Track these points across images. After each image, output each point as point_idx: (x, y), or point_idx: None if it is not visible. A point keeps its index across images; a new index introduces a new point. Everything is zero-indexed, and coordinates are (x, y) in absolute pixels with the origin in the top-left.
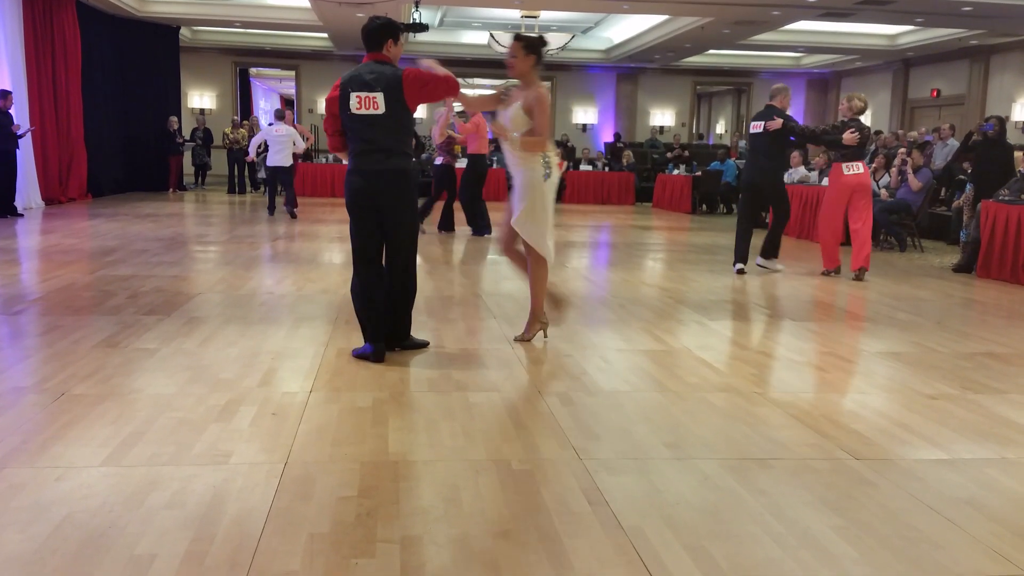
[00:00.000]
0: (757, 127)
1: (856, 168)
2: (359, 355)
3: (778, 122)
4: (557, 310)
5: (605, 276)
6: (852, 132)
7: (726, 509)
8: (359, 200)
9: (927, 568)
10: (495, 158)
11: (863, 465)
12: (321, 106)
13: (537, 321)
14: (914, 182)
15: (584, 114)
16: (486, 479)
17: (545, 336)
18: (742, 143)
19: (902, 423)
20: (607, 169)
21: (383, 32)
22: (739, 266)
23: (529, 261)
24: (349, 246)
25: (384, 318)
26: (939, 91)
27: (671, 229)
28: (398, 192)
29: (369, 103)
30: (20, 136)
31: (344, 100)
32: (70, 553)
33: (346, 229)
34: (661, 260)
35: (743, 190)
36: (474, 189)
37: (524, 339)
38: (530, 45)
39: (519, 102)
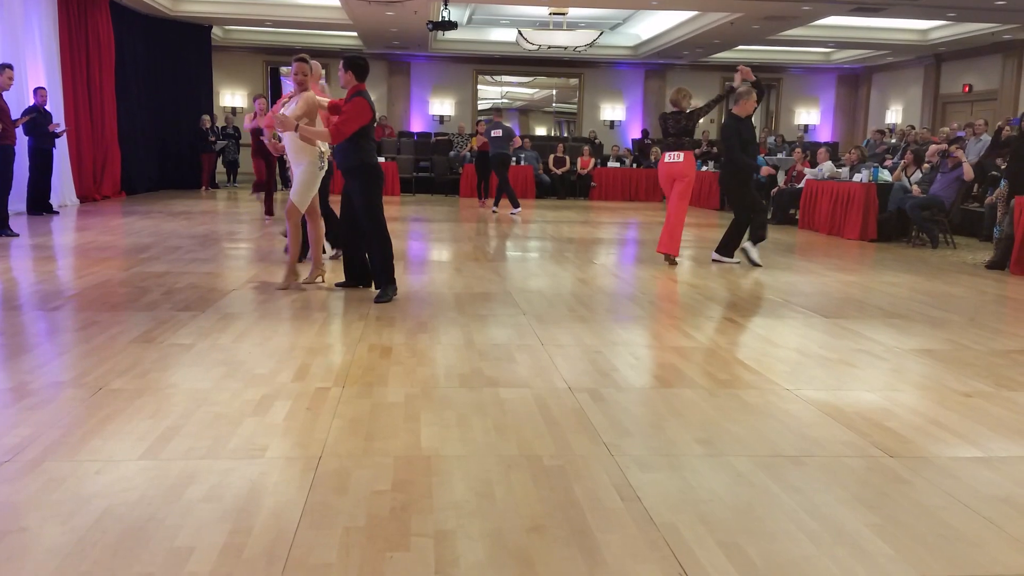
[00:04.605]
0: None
1: (678, 157)
2: (385, 300)
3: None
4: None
5: (633, 273)
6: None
7: (760, 506)
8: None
9: (964, 566)
10: None
11: (898, 463)
12: None
13: (318, 267)
14: (968, 170)
15: (612, 111)
16: (518, 474)
17: (323, 280)
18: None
19: (936, 421)
20: (635, 166)
21: None
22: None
23: (310, 223)
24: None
25: None
26: (971, 86)
27: (699, 226)
28: None
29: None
30: (57, 136)
31: (374, 115)
32: (110, 545)
33: None
34: (689, 257)
35: None
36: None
37: (309, 281)
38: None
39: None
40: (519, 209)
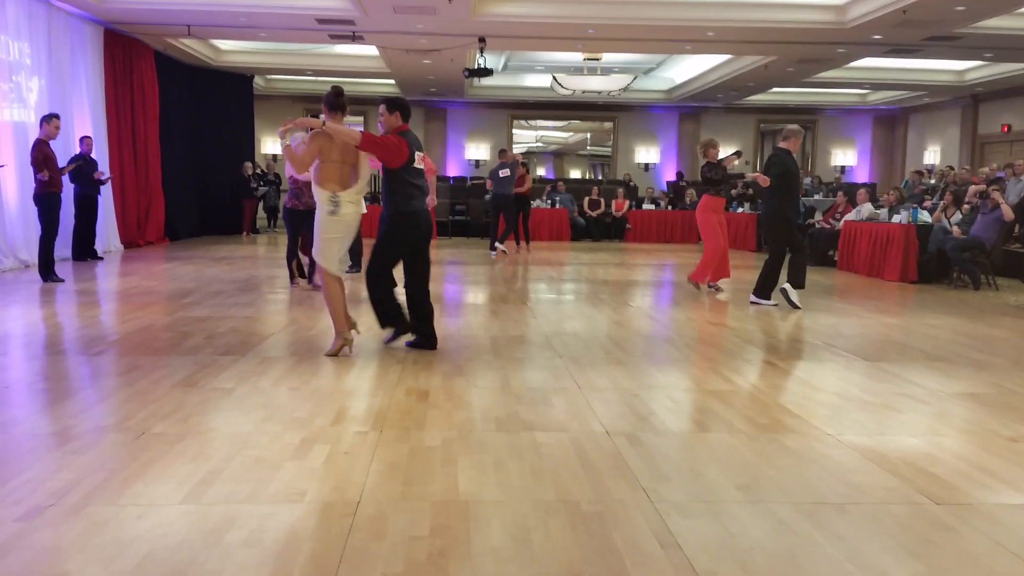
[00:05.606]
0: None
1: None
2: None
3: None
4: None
5: (670, 315)
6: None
7: (802, 554)
8: (422, 231)
9: None
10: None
11: (943, 510)
12: None
13: (340, 336)
14: (1008, 211)
15: (646, 153)
16: (556, 520)
17: (350, 351)
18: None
19: (982, 466)
20: (670, 208)
21: None
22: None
23: (322, 282)
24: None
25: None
26: (1010, 126)
27: (735, 267)
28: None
29: (422, 160)
30: (102, 183)
31: (411, 156)
32: None
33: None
34: (726, 299)
35: None
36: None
37: (330, 354)
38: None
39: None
40: (495, 252)
